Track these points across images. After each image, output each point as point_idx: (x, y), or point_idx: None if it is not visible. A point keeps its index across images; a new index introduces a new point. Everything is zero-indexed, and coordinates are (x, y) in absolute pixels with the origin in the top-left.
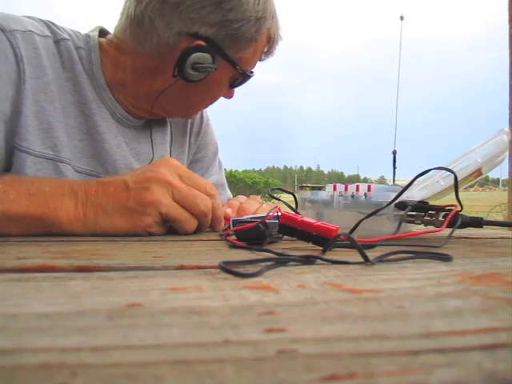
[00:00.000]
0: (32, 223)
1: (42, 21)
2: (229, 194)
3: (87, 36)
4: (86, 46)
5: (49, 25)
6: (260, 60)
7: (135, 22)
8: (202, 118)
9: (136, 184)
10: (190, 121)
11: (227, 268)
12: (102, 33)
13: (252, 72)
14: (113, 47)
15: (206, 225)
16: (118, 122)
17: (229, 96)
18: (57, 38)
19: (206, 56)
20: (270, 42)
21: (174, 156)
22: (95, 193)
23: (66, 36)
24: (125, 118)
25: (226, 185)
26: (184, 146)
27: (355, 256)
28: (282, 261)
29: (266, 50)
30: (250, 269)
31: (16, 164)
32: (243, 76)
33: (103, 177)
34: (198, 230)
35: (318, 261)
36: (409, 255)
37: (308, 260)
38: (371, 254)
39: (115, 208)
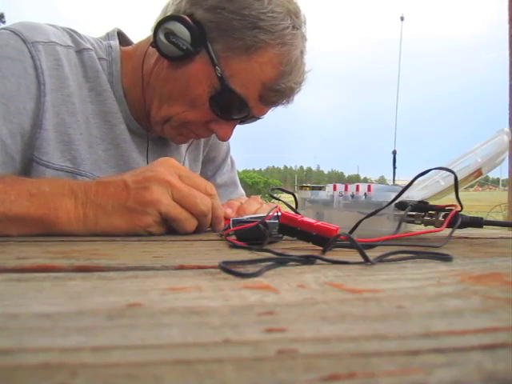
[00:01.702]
0: (32, 224)
1: (64, 29)
2: (241, 191)
3: (109, 46)
4: (108, 57)
5: (71, 34)
6: (264, 102)
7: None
8: None
9: (135, 184)
10: None
11: (227, 268)
12: (120, 36)
13: (234, 92)
14: (138, 52)
15: (205, 224)
16: (133, 133)
17: (219, 131)
18: (79, 47)
19: (184, 30)
20: (276, 77)
21: (190, 159)
22: (95, 193)
23: (89, 46)
24: (139, 130)
25: (239, 183)
26: (199, 148)
27: (355, 256)
28: (281, 261)
29: (270, 85)
30: (250, 269)
31: (35, 177)
32: (222, 86)
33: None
34: (198, 230)
35: (319, 261)
36: (409, 255)
37: (308, 260)
38: (371, 254)
39: (115, 208)
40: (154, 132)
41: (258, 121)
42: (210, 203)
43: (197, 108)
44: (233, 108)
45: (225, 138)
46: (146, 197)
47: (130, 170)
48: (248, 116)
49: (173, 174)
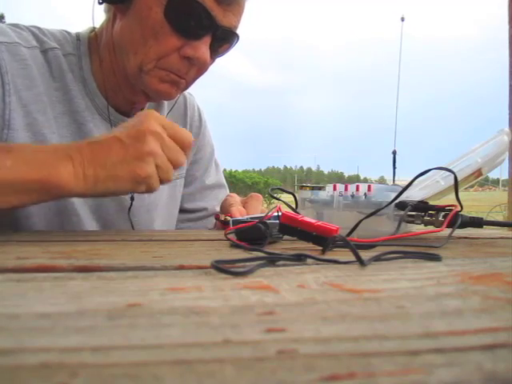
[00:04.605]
0: (33, 189)
1: (27, 29)
2: (228, 192)
3: (78, 40)
4: (77, 51)
5: (35, 33)
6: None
7: None
8: (200, 120)
9: (130, 138)
10: (189, 122)
11: (219, 267)
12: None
13: None
14: (99, 35)
15: (171, 177)
16: (113, 125)
17: (195, 53)
18: (44, 47)
19: None
20: None
21: None
22: (90, 152)
23: (54, 44)
24: (120, 121)
25: (225, 184)
26: None
27: (353, 256)
28: (273, 259)
29: None
30: (241, 267)
31: None
32: None
33: None
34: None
35: (318, 261)
36: (399, 255)
37: (299, 259)
38: (368, 254)
39: (114, 162)
40: (138, 105)
41: (237, 47)
42: (185, 159)
43: (159, 36)
44: (193, 20)
45: (203, 56)
46: (144, 148)
47: None
48: (214, 25)
49: (160, 126)
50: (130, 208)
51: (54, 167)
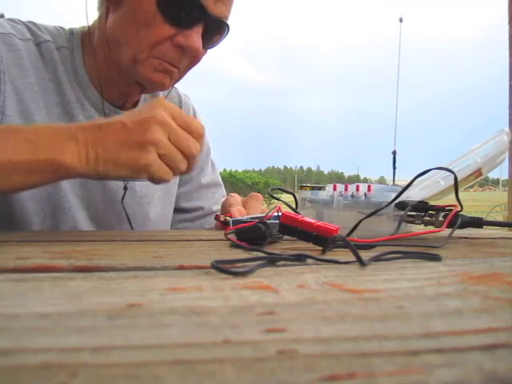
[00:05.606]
0: (38, 169)
1: (22, 23)
2: (224, 191)
3: (71, 34)
4: (69, 44)
5: (29, 27)
6: None
7: None
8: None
9: (135, 124)
10: None
11: (219, 267)
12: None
13: None
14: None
15: (192, 167)
16: (105, 116)
17: (187, 42)
18: (38, 40)
19: None
20: None
21: None
22: (93, 133)
23: (48, 37)
24: (112, 112)
25: (222, 183)
26: None
27: (353, 256)
28: (273, 259)
29: None
30: (242, 267)
31: None
32: None
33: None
34: (185, 172)
35: (318, 261)
36: (399, 255)
37: (299, 259)
38: (368, 255)
39: (115, 146)
40: (131, 98)
41: (226, 38)
42: (199, 147)
43: (152, 26)
44: (185, 9)
45: (194, 45)
46: (146, 137)
47: None
48: (205, 14)
49: (168, 115)
50: (123, 198)
51: (58, 148)
